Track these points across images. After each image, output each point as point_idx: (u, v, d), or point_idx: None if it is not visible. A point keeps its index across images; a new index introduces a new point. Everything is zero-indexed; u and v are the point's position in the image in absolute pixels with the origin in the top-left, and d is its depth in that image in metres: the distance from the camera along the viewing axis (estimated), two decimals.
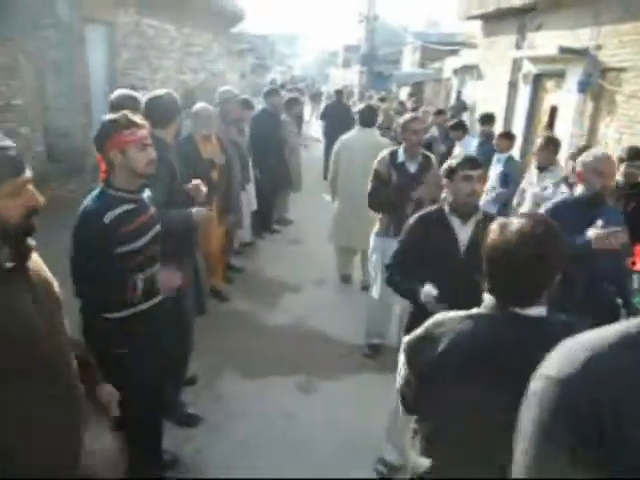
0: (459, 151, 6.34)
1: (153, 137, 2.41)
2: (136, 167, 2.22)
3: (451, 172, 2.62)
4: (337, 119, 11.08)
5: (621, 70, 7.34)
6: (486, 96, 12.61)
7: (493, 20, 12.07)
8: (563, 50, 8.35)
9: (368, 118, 5.30)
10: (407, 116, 4.17)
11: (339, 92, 12.04)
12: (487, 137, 6.25)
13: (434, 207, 2.83)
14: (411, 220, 2.79)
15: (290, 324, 4.85)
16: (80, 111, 7.34)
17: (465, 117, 11.97)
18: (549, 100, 9.91)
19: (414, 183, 3.94)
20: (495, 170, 5.50)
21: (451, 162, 2.68)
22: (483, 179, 2.73)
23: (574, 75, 8.61)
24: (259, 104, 6.68)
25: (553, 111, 9.67)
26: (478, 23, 13.71)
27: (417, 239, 2.70)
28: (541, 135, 6.03)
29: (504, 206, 5.39)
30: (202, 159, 4.12)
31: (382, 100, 13.34)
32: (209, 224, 4.31)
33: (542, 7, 9.81)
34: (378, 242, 4.13)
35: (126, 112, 2.26)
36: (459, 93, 14.87)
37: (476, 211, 2.66)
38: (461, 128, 6.98)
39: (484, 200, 5.41)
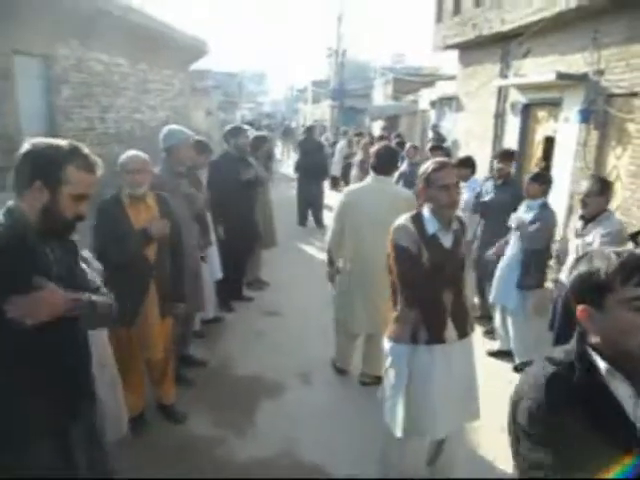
0: (466, 196, 5.30)
1: None
2: None
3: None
4: (309, 157, 10.13)
5: (632, 95, 6.50)
6: (469, 128, 11.82)
7: (473, 49, 11.36)
8: (561, 76, 7.53)
9: (386, 163, 3.97)
10: (430, 164, 2.77)
11: (310, 129, 11.12)
12: (506, 178, 5.07)
13: None
14: None
15: (268, 460, 3.30)
16: (5, 157, 6.14)
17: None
18: (542, 131, 9.09)
19: (451, 263, 2.73)
20: (523, 217, 4.37)
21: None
22: None
23: (572, 103, 7.80)
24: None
25: (548, 143, 8.84)
26: (454, 53, 13.08)
27: None
28: (591, 176, 5.27)
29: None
30: (131, 230, 3.01)
31: (358, 135, 12.48)
32: (144, 323, 3.17)
33: (529, 33, 9.06)
34: (399, 351, 2.78)
35: None
36: (435, 126, 14.10)
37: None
38: (470, 165, 5.87)
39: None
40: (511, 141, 9.82)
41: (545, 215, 4.24)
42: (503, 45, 10.03)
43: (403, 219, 2.78)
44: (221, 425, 3.66)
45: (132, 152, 3.15)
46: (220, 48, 33.82)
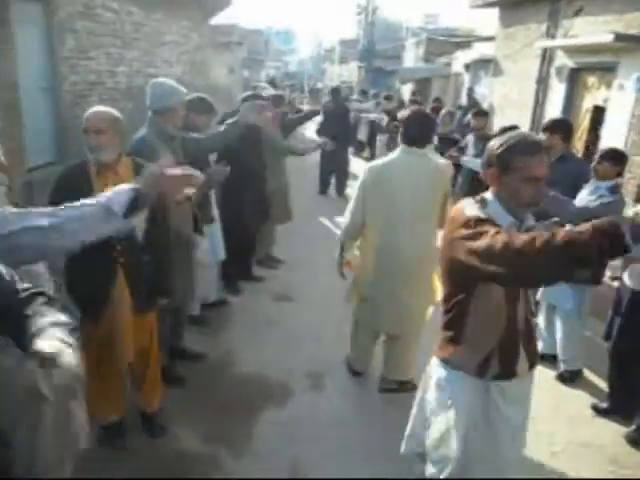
0: None
1: None
2: None
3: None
4: (334, 123, 9.37)
5: None
6: (507, 94, 10.93)
7: (516, 6, 10.38)
8: (620, 37, 6.66)
9: (419, 132, 3.25)
10: (514, 140, 1.92)
11: (336, 90, 10.25)
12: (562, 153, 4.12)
13: None
14: None
15: None
16: (4, 112, 5.60)
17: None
18: (591, 99, 8.22)
19: None
20: (588, 201, 3.59)
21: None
22: None
23: (630, 69, 6.94)
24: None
25: (596, 113, 7.99)
26: (492, 13, 12.07)
27: None
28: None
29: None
30: None
31: (387, 99, 11.67)
32: (112, 319, 2.57)
33: None
34: (457, 381, 2.12)
35: None
36: (470, 90, 13.18)
37: None
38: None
39: None
40: (554, 109, 8.97)
41: (614, 201, 3.50)
42: (551, 2, 9.08)
43: (466, 203, 2.02)
44: (212, 439, 3.08)
45: (97, 107, 2.51)
46: (246, 2, 32.58)
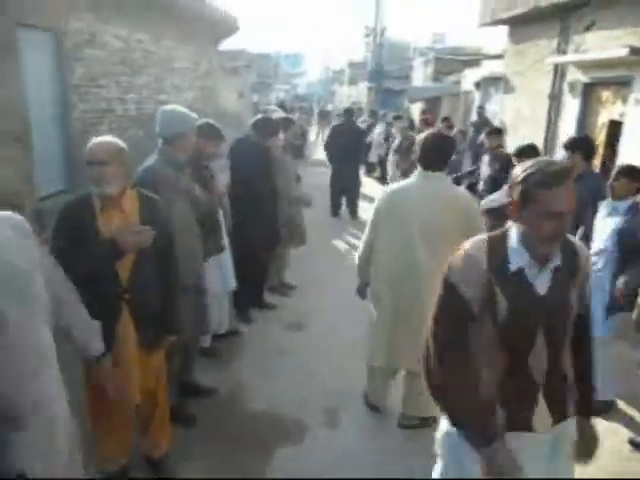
0: None
1: None
2: None
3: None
4: (346, 146, 9.25)
5: None
6: (519, 111, 10.82)
7: (526, 22, 10.31)
8: (635, 51, 6.52)
9: (437, 156, 3.12)
10: (535, 168, 1.70)
11: (349, 111, 10.15)
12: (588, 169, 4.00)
13: None
14: None
15: None
16: (9, 141, 5.56)
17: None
18: (606, 114, 8.07)
19: (545, 317, 1.76)
20: (606, 224, 3.46)
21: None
22: None
23: None
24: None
25: (612, 127, 7.83)
26: (499, 31, 12.04)
27: None
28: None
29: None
30: (96, 239, 2.31)
31: (397, 118, 11.58)
32: (116, 359, 2.36)
33: (594, 2, 8.02)
34: (454, 444, 1.89)
35: None
36: (481, 108, 13.08)
37: None
38: (534, 155, 4.79)
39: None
40: (568, 125, 8.83)
41: (636, 221, 3.34)
42: (562, 18, 8.99)
43: (472, 242, 1.85)
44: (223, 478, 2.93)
45: (101, 138, 2.41)
46: (254, 28, 33.03)
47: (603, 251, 3.48)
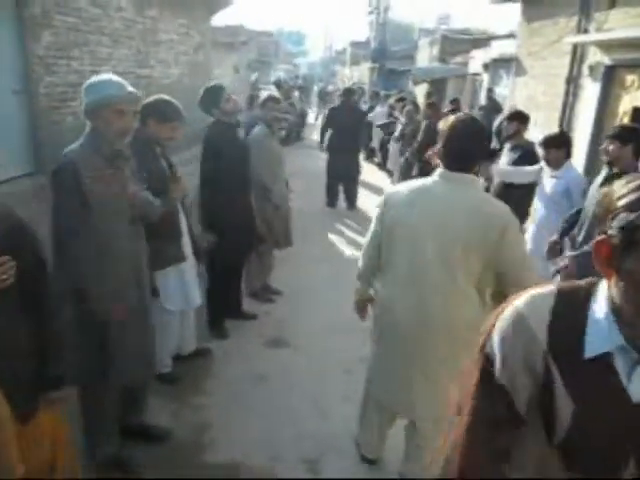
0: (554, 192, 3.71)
1: None
2: None
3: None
4: (345, 130, 8.52)
5: None
6: (531, 95, 10.07)
7: (541, 0, 9.52)
8: None
9: (468, 152, 2.33)
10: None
11: (349, 91, 9.30)
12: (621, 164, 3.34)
13: None
14: None
15: None
16: None
17: (498, 121, 9.48)
18: (630, 100, 7.34)
19: (637, 440, 1.02)
20: None
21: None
22: None
23: None
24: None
25: (637, 114, 7.11)
26: (508, 10, 11.27)
27: None
28: None
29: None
30: None
31: (400, 100, 10.83)
32: None
33: None
34: None
35: None
36: (490, 91, 12.34)
37: None
38: (564, 144, 4.13)
39: None
40: (587, 111, 8.10)
41: None
42: None
43: (528, 298, 1.14)
44: None
45: None
46: (255, 4, 31.92)
47: None
